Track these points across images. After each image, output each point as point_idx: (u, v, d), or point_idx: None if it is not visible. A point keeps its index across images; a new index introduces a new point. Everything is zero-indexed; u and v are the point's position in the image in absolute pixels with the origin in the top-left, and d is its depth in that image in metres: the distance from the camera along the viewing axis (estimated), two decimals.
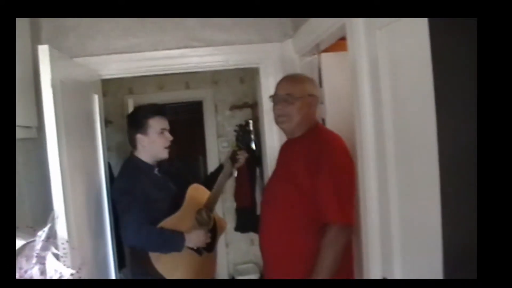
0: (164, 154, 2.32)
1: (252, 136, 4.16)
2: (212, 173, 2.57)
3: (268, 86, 2.65)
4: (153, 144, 2.28)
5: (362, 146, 1.50)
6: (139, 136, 2.29)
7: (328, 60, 2.37)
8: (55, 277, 1.30)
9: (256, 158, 3.90)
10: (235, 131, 2.58)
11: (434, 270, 1.08)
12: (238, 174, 3.93)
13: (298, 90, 1.90)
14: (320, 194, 1.75)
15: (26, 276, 1.26)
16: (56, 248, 1.40)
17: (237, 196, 4.27)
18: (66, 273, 1.34)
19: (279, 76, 2.38)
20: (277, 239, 1.90)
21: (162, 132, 2.29)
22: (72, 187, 1.84)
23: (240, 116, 4.50)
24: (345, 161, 1.76)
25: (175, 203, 2.29)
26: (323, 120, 2.29)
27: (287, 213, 1.86)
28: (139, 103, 3.13)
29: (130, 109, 3.66)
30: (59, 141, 1.75)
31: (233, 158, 2.46)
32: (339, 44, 2.14)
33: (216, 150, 4.56)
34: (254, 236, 4.46)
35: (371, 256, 1.46)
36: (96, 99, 2.47)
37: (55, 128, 1.73)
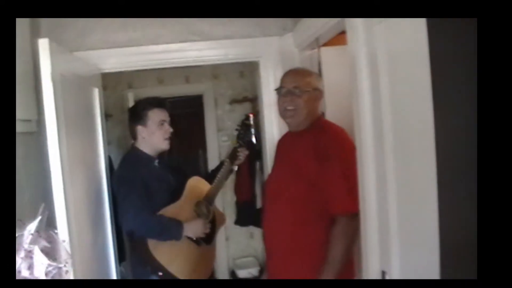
0: (164, 145, 2.35)
1: (253, 130, 4.16)
2: (213, 171, 2.59)
3: (268, 80, 2.65)
4: (153, 135, 2.32)
5: (361, 140, 1.51)
6: (139, 128, 2.33)
7: (328, 54, 2.37)
8: (42, 270, 1.30)
9: (256, 152, 3.90)
10: (236, 129, 2.60)
11: (432, 263, 1.09)
12: (238, 168, 3.94)
13: (305, 84, 1.92)
14: (330, 185, 1.77)
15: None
16: (47, 241, 1.39)
17: (237, 190, 4.29)
18: (53, 266, 1.33)
19: (279, 70, 2.39)
20: (283, 232, 1.91)
21: (161, 123, 2.33)
22: (72, 181, 1.85)
23: (240, 110, 4.51)
24: (352, 152, 1.78)
25: (174, 195, 2.31)
26: (323, 113, 2.29)
27: (295, 206, 1.87)
28: (139, 97, 3.13)
29: (130, 103, 3.67)
30: (59, 134, 1.75)
31: (233, 155, 2.48)
32: (339, 38, 2.14)
33: (216, 144, 4.56)
34: (254, 230, 4.48)
35: (370, 249, 1.47)
36: (96, 93, 2.47)
37: (55, 121, 1.74)
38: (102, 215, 2.39)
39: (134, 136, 2.38)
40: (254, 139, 4.12)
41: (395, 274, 1.31)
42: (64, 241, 1.61)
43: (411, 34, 1.16)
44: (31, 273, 1.28)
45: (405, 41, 1.22)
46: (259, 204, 4.05)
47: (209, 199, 2.42)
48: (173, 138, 2.42)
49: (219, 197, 2.68)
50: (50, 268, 1.32)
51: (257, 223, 4.16)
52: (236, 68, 4.46)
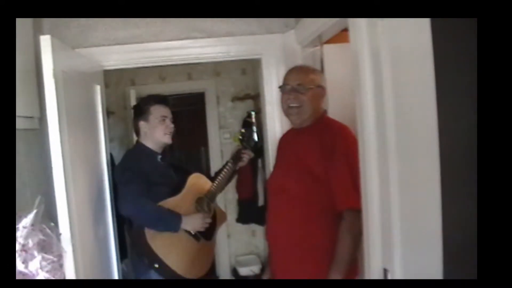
0: (165, 139, 2.38)
1: (255, 128, 4.17)
2: (216, 173, 2.60)
3: (270, 77, 2.65)
4: (154, 130, 2.36)
5: (364, 137, 1.50)
6: (141, 123, 2.39)
7: (330, 51, 2.37)
8: (37, 264, 1.30)
9: (258, 150, 3.90)
10: (241, 133, 2.61)
11: (435, 261, 1.09)
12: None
13: (309, 81, 1.92)
14: (337, 181, 1.78)
15: None
16: (43, 234, 1.39)
17: (239, 187, 4.29)
18: (47, 260, 1.33)
19: (281, 67, 2.38)
20: (289, 229, 1.91)
21: (163, 119, 2.37)
22: (74, 178, 1.85)
23: (242, 108, 4.51)
24: (357, 149, 1.78)
25: (175, 190, 2.32)
26: (325, 111, 2.29)
27: (301, 202, 1.88)
28: (141, 94, 3.14)
29: (132, 100, 3.68)
30: (61, 131, 1.76)
31: (237, 156, 2.50)
32: (341, 35, 2.13)
33: (218, 141, 4.56)
34: (255, 227, 4.48)
35: (372, 247, 1.47)
36: (98, 90, 2.47)
37: (57, 118, 1.74)
38: (103, 212, 2.39)
39: (137, 132, 2.43)
40: (256, 137, 4.14)
41: (397, 272, 1.31)
42: (61, 234, 1.61)
43: (414, 31, 1.16)
44: (26, 267, 1.28)
45: (409, 38, 1.22)
46: (261, 201, 4.06)
47: (210, 196, 2.42)
48: (175, 135, 2.45)
49: (221, 194, 2.68)
50: (44, 262, 1.32)
51: (258, 221, 4.17)
52: (238, 65, 4.46)
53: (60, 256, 1.41)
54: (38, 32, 2.04)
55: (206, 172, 2.72)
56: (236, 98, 4.52)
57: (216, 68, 4.49)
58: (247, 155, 2.51)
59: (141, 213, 2.16)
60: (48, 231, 1.42)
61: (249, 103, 4.48)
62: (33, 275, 1.29)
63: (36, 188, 1.84)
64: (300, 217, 1.88)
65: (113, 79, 4.13)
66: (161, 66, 3.35)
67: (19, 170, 1.68)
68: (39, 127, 1.96)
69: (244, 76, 4.53)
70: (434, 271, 1.10)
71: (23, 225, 1.30)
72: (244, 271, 4.29)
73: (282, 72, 2.09)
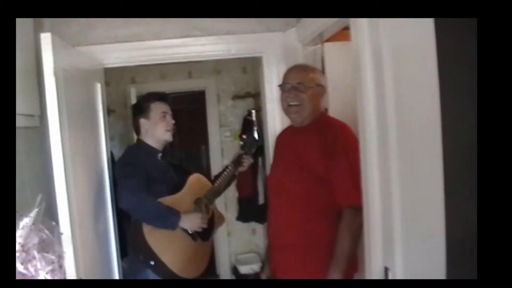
0: (166, 136, 2.38)
1: (255, 128, 4.17)
2: (216, 176, 2.61)
3: (270, 75, 2.64)
4: (155, 127, 2.36)
5: (365, 136, 1.50)
6: (142, 120, 2.38)
7: (331, 49, 2.36)
8: (37, 264, 1.29)
9: (258, 148, 3.90)
10: (242, 139, 2.62)
11: (437, 260, 1.08)
12: None
13: (308, 79, 1.93)
14: (338, 178, 1.79)
15: None
16: (44, 233, 1.38)
17: (239, 185, 4.28)
18: (48, 260, 1.33)
19: (282, 66, 2.38)
20: (290, 227, 1.92)
21: (163, 115, 2.37)
22: (74, 176, 1.85)
23: (243, 106, 4.50)
24: (357, 146, 1.78)
25: (175, 189, 2.31)
26: (326, 109, 2.29)
27: (302, 200, 1.89)
28: (142, 92, 3.14)
29: (133, 98, 3.68)
30: (62, 129, 1.75)
31: (238, 161, 2.51)
32: (342, 33, 2.13)
33: (219, 139, 4.56)
34: (255, 225, 4.49)
35: (373, 245, 1.47)
36: (98, 88, 2.47)
37: (57, 116, 1.74)
38: (104, 211, 2.39)
39: (137, 130, 2.43)
40: (256, 135, 4.14)
41: (398, 270, 1.31)
42: (62, 233, 1.61)
43: (416, 28, 1.15)
44: (26, 268, 1.28)
45: (410, 36, 1.21)
46: (261, 200, 4.06)
47: (209, 197, 2.43)
48: (176, 134, 2.45)
49: None
50: (44, 263, 1.32)
51: (259, 219, 4.17)
52: (239, 64, 4.46)
53: (60, 256, 1.41)
54: (38, 30, 2.03)
55: (206, 170, 2.71)
56: (237, 97, 4.52)
57: (216, 67, 4.49)
58: (248, 161, 2.52)
59: (140, 207, 2.14)
60: (47, 231, 1.41)
61: (250, 101, 4.48)
62: (33, 275, 1.28)
63: (36, 186, 1.84)
64: (301, 216, 1.89)
65: (114, 77, 4.13)
66: (161, 64, 3.35)
67: (19, 168, 1.68)
68: (40, 125, 1.95)
69: (245, 75, 4.53)
70: (436, 269, 1.10)
71: (23, 224, 1.29)
72: (244, 269, 4.29)
73: (283, 70, 2.09)
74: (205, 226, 2.31)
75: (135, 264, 2.30)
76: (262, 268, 2.46)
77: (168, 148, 2.50)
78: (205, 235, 2.35)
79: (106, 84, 2.72)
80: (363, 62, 1.45)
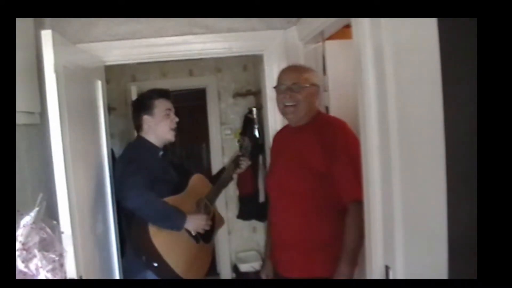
0: (169, 136, 2.36)
1: (255, 126, 4.17)
2: (214, 176, 2.61)
3: (271, 73, 2.64)
4: (159, 125, 2.33)
5: (366, 134, 1.50)
6: (145, 117, 2.34)
7: (332, 47, 2.35)
8: (37, 263, 1.29)
9: (259, 146, 3.90)
10: (238, 141, 2.63)
11: (438, 259, 1.08)
12: None
13: (303, 80, 1.94)
14: (340, 174, 1.80)
15: None
16: (44, 232, 1.38)
17: (240, 184, 4.28)
18: (48, 259, 1.33)
19: (283, 64, 2.37)
20: (293, 227, 1.93)
21: (167, 113, 2.34)
22: (74, 173, 1.85)
23: (243, 104, 4.50)
24: (357, 142, 1.79)
25: (176, 188, 2.30)
26: (327, 108, 2.28)
27: (304, 198, 1.90)
28: (142, 90, 3.13)
29: (133, 96, 3.67)
30: (62, 127, 1.75)
31: (236, 163, 2.50)
32: (344, 31, 2.12)
33: (219, 137, 4.56)
34: (256, 224, 4.49)
35: (374, 244, 1.46)
36: (99, 85, 2.46)
37: (58, 114, 1.73)
38: (104, 209, 2.38)
39: (139, 127, 2.38)
40: (256, 132, 4.14)
41: (399, 269, 1.31)
42: (63, 232, 1.60)
43: (417, 27, 1.15)
44: (26, 266, 1.27)
45: (412, 34, 1.21)
46: (262, 198, 4.06)
47: (210, 198, 2.43)
48: (177, 132, 2.42)
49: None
50: (45, 261, 1.31)
51: (259, 217, 4.17)
52: (240, 62, 4.45)
53: (61, 255, 1.40)
54: (39, 27, 2.03)
55: (207, 168, 2.71)
56: (238, 94, 4.51)
57: (217, 64, 4.48)
58: (245, 163, 2.53)
59: (148, 207, 2.11)
60: (48, 230, 1.40)
61: (251, 99, 4.48)
62: (34, 274, 1.28)
63: (37, 184, 1.84)
64: (305, 215, 1.89)
65: (115, 75, 4.12)
66: (162, 62, 3.35)
67: (20, 166, 1.67)
68: (40, 122, 1.95)
69: (246, 72, 4.53)
70: (438, 268, 1.09)
71: (24, 223, 1.29)
72: (244, 268, 4.29)
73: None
74: (208, 228, 2.30)
75: (134, 265, 2.27)
76: (262, 266, 2.47)
77: (169, 146, 2.48)
78: (206, 237, 2.34)
79: (107, 81, 2.72)
80: (365, 60, 1.44)
